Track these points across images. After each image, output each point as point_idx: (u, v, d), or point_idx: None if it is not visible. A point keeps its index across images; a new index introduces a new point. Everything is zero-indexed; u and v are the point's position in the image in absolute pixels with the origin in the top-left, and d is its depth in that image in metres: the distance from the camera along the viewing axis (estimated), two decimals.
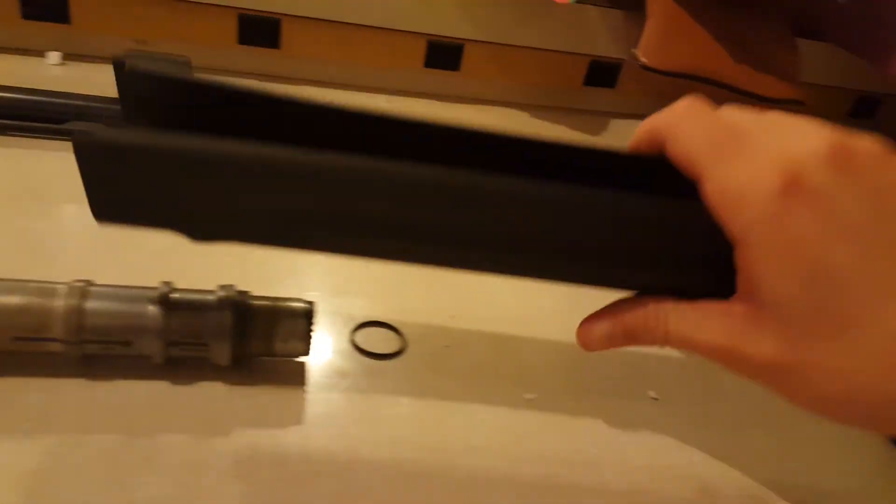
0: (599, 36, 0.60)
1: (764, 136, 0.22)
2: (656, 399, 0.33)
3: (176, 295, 0.28)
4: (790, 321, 0.21)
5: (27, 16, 0.52)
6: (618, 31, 0.60)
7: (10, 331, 0.26)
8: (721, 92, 0.52)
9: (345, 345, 0.32)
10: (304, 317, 0.29)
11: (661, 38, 0.52)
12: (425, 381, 0.31)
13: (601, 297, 0.25)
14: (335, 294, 0.35)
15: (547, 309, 0.37)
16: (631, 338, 0.25)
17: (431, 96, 0.61)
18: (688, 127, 0.23)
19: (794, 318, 0.21)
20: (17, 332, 0.26)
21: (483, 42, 0.59)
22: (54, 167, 0.40)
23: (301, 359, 0.30)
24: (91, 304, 0.26)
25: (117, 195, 0.23)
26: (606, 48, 0.61)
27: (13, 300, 0.26)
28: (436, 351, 0.33)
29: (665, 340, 0.24)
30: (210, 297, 0.28)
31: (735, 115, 0.23)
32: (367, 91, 0.60)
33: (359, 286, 0.36)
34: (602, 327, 0.26)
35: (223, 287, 0.29)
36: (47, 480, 0.23)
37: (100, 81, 0.52)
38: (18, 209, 0.36)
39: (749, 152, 0.22)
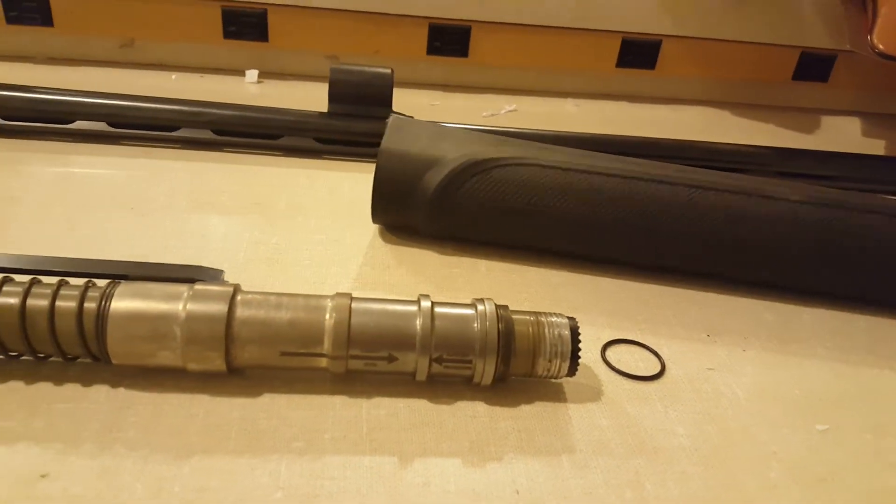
0: (812, 25, 0.55)
1: None
2: None
3: (441, 309, 0.26)
4: None
5: (229, 35, 0.54)
6: (833, 20, 0.55)
7: (279, 345, 0.25)
8: None
9: (596, 364, 0.29)
10: (571, 335, 0.26)
11: None
12: (695, 407, 0.28)
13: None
14: (572, 310, 0.32)
15: (816, 326, 0.33)
16: None
17: (624, 98, 0.57)
18: None
19: None
20: (286, 347, 0.25)
21: (682, 37, 0.55)
22: (277, 181, 0.40)
23: (557, 379, 0.28)
24: (358, 319, 0.25)
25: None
26: (819, 39, 0.55)
27: (283, 314, 0.25)
28: (699, 374, 0.29)
29: None
30: (473, 312, 0.26)
31: None
32: (555, 96, 0.57)
33: (595, 300, 0.33)
34: None
35: (480, 300, 0.27)
36: None
37: (297, 96, 0.53)
38: (250, 223, 0.36)
39: None
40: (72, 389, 0.25)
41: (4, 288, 0.24)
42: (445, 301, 0.27)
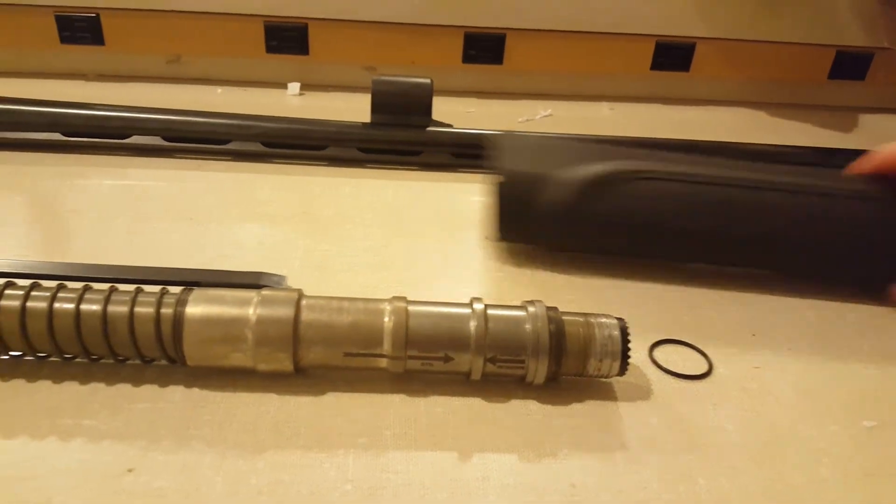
0: (847, 24, 0.55)
1: None
2: None
3: (494, 311, 0.27)
4: None
5: (271, 49, 0.56)
6: (868, 18, 0.55)
7: (343, 346, 0.26)
8: None
9: (645, 364, 0.30)
10: (620, 335, 0.27)
11: None
12: (744, 405, 0.28)
13: None
14: (617, 311, 0.33)
15: (859, 323, 0.33)
16: None
17: (659, 100, 0.58)
18: None
19: None
20: (349, 348, 0.26)
21: (716, 39, 0.55)
22: (323, 190, 0.42)
23: (608, 378, 0.28)
24: (415, 321, 0.26)
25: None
26: (855, 37, 0.55)
27: (345, 318, 0.26)
28: (746, 372, 0.30)
29: None
30: (524, 313, 0.27)
31: None
32: (590, 100, 0.58)
33: (640, 302, 0.34)
34: None
35: (530, 302, 0.28)
36: (389, 498, 0.23)
37: (336, 107, 0.54)
38: (301, 231, 0.37)
39: None
40: (149, 390, 0.26)
41: (86, 296, 0.26)
42: (496, 304, 0.28)
